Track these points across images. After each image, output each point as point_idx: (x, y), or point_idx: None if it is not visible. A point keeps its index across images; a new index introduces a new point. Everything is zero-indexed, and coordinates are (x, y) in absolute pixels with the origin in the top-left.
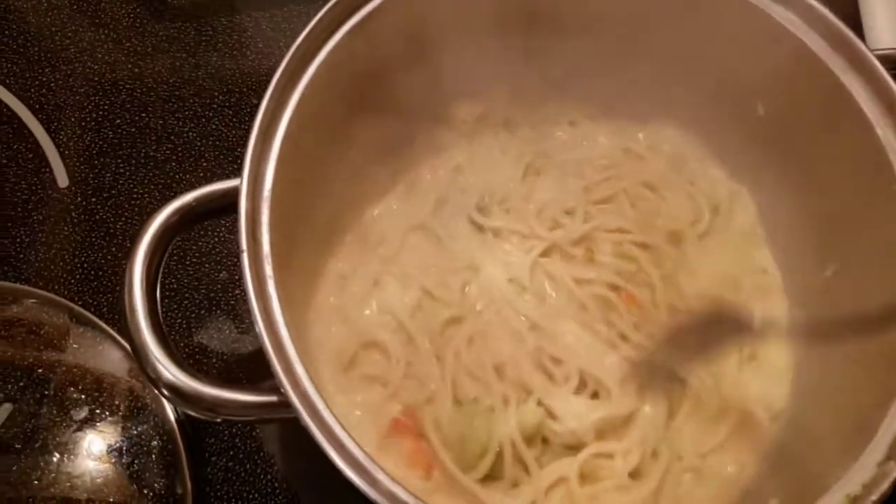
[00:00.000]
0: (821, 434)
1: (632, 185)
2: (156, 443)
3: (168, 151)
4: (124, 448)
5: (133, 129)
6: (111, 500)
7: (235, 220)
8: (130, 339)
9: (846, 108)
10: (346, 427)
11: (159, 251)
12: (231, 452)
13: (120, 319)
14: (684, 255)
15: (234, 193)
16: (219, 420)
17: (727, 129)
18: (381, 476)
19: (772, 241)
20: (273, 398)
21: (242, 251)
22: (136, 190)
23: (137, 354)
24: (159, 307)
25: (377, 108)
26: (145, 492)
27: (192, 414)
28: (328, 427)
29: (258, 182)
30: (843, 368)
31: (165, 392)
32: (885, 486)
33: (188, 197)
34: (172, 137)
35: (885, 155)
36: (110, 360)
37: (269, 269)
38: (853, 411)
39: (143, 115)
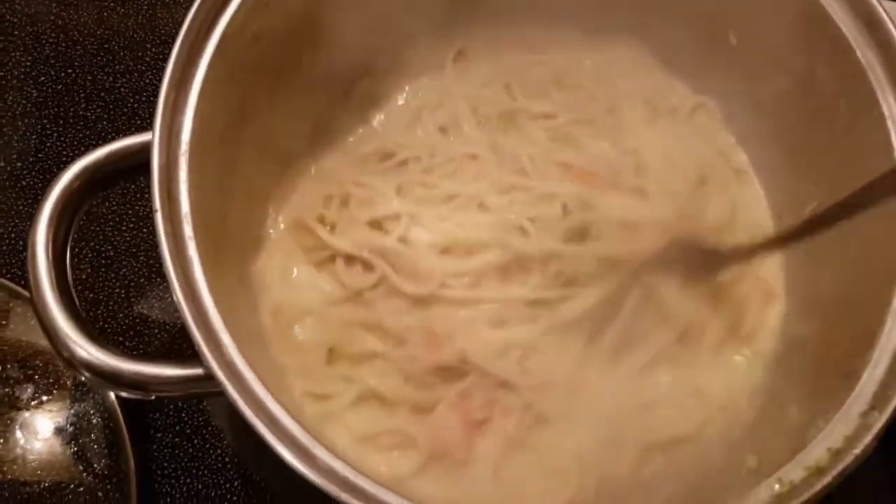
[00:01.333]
0: (803, 382)
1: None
2: (98, 420)
3: (99, 110)
4: (68, 427)
5: (59, 87)
6: (51, 481)
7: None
8: (38, 316)
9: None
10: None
11: (66, 218)
12: (177, 427)
13: None
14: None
15: (147, 149)
16: (152, 397)
17: (697, 54)
18: (319, 452)
19: (745, 145)
20: (199, 371)
21: (156, 211)
22: (65, 153)
23: (47, 332)
24: (70, 279)
25: (312, 45)
26: (88, 472)
27: (117, 393)
28: (258, 401)
29: (174, 134)
30: (828, 301)
31: (82, 371)
32: (868, 438)
33: (95, 154)
34: (103, 94)
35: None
36: None
37: (188, 230)
38: (837, 357)
39: (70, 70)
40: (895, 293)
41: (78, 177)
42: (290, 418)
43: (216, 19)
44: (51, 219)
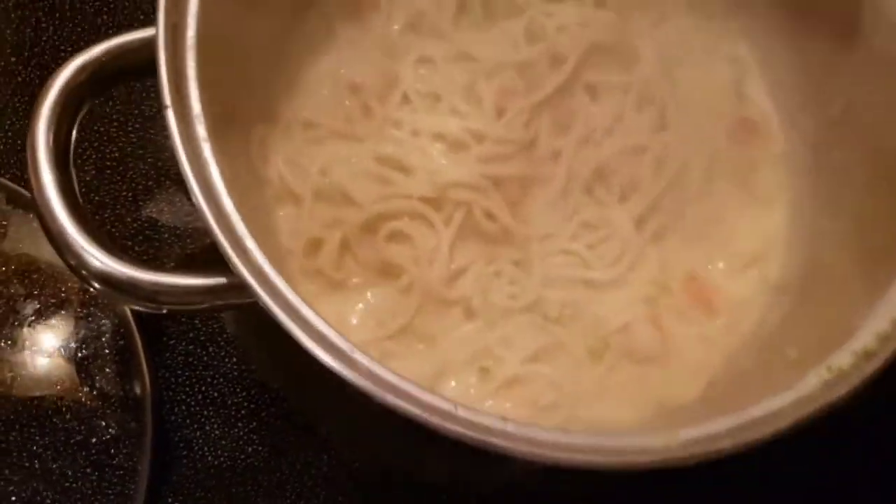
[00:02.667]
0: (835, 282)
1: None
2: (109, 330)
3: (98, 2)
4: (79, 337)
5: None
6: (63, 394)
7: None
8: (44, 224)
9: None
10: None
11: (67, 116)
12: (191, 335)
13: None
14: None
15: (152, 45)
16: (164, 311)
17: None
18: (359, 356)
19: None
20: (223, 280)
21: (167, 107)
22: (62, 47)
23: (54, 241)
24: (75, 182)
25: None
26: (100, 383)
27: (133, 306)
28: (293, 307)
29: (179, 29)
30: (849, 208)
31: (94, 283)
32: None
33: (96, 50)
34: None
35: None
36: None
37: (201, 131)
38: (868, 253)
39: None
40: None
41: (77, 74)
42: (326, 324)
43: None
44: (50, 118)
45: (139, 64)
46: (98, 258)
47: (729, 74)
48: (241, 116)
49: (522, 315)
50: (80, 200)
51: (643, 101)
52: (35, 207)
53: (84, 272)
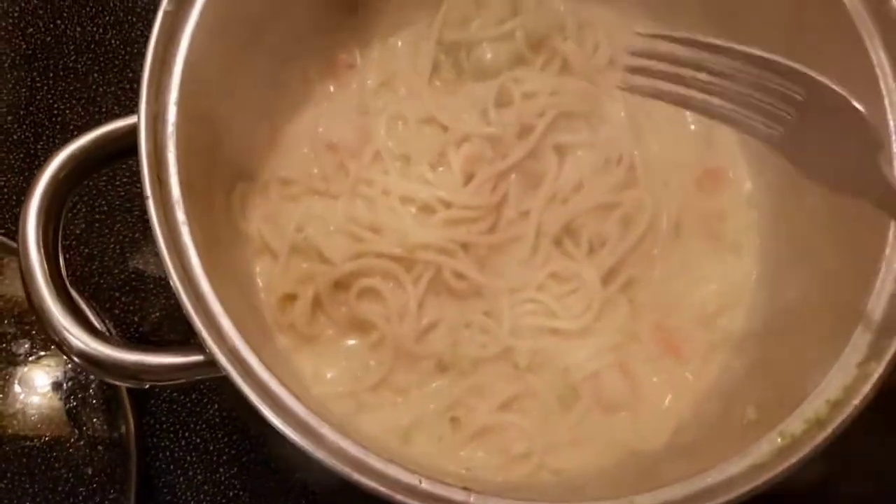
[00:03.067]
0: (798, 334)
1: None
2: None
3: (89, 62)
4: (66, 382)
5: (49, 38)
6: (51, 435)
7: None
8: (31, 304)
9: None
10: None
11: (54, 208)
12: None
13: None
14: None
15: (135, 132)
16: (146, 386)
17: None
18: (326, 431)
19: None
20: (200, 357)
21: (147, 198)
22: (56, 106)
23: (39, 320)
24: (63, 269)
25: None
26: (87, 426)
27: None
28: (262, 384)
29: (160, 116)
30: (815, 256)
31: (75, 359)
32: (866, 388)
33: (83, 140)
34: (93, 46)
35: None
36: None
37: (180, 215)
38: (830, 308)
39: (59, 21)
40: (888, 240)
41: (63, 166)
42: (295, 399)
43: None
44: (39, 207)
45: (124, 148)
46: (79, 338)
47: (698, 124)
48: (222, 176)
49: (493, 364)
50: (68, 285)
51: (611, 159)
52: (26, 294)
53: (66, 349)
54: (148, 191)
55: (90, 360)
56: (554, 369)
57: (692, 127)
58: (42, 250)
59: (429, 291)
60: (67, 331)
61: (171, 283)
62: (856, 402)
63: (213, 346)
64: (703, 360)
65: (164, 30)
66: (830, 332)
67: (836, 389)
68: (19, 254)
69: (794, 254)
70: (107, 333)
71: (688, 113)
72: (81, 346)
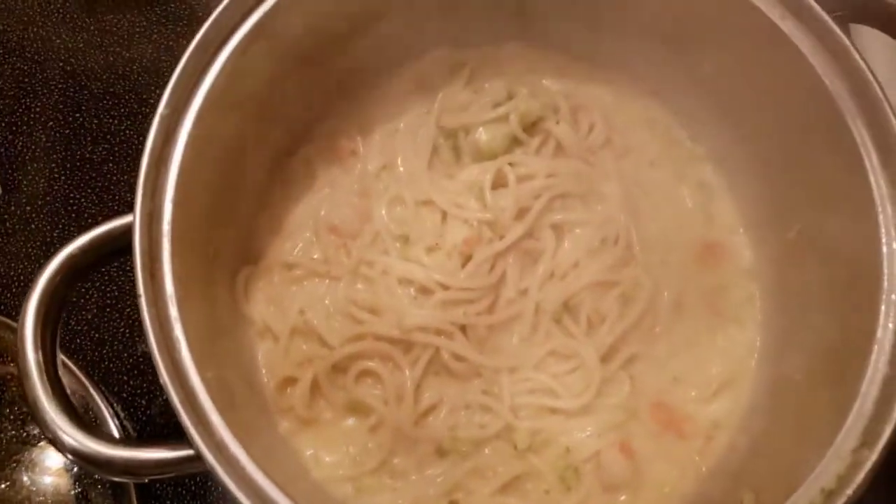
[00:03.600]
0: (798, 412)
1: None
2: None
3: (104, 152)
4: (75, 466)
5: (67, 131)
6: None
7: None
8: (28, 405)
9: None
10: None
11: (54, 306)
12: None
13: None
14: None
15: (130, 231)
16: (145, 480)
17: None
18: None
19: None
20: (190, 451)
21: (139, 296)
22: (72, 195)
23: (34, 418)
24: (58, 366)
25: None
26: None
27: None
28: (248, 480)
29: (155, 214)
30: (814, 330)
31: (69, 456)
32: (860, 476)
33: (81, 240)
34: (109, 137)
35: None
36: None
37: (173, 311)
38: (830, 384)
39: (77, 114)
40: (878, 323)
41: (60, 269)
42: (281, 492)
43: (193, 90)
44: (37, 312)
45: (122, 246)
46: (72, 436)
47: (695, 199)
48: (225, 259)
49: (493, 445)
50: (64, 386)
51: (608, 237)
52: (22, 392)
53: (59, 446)
54: (140, 289)
55: (83, 458)
56: (555, 449)
57: (689, 203)
58: (39, 350)
59: (427, 373)
60: (61, 429)
61: (161, 381)
62: (849, 491)
63: (200, 442)
64: (707, 438)
65: (160, 131)
66: (828, 414)
67: (830, 477)
68: (17, 354)
69: (794, 327)
70: (115, 417)
71: (685, 188)
72: (74, 444)
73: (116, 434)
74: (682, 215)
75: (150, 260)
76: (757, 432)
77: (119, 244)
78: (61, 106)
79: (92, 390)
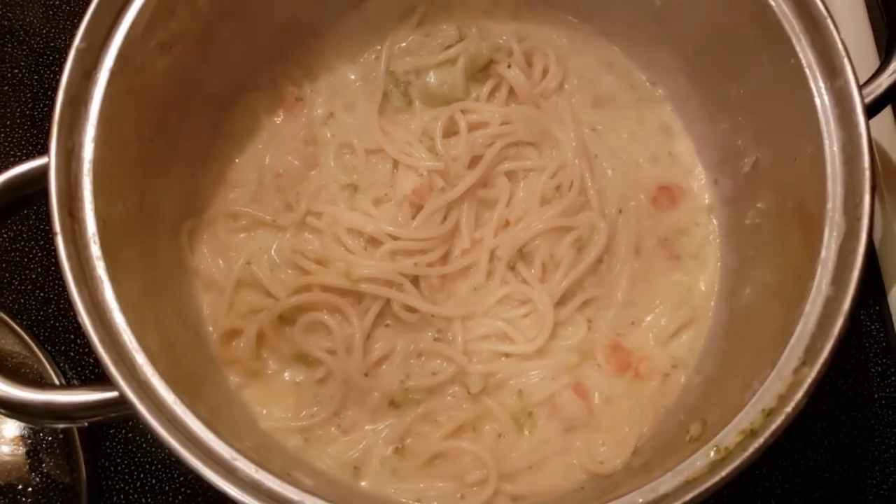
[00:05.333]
0: (749, 347)
1: None
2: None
3: (46, 109)
4: (31, 432)
5: (6, 87)
6: (4, 482)
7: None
8: None
9: None
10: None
11: None
12: (130, 423)
13: None
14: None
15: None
16: (59, 426)
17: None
18: (240, 464)
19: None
20: (114, 393)
21: (56, 234)
22: (13, 153)
23: None
24: None
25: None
26: (40, 472)
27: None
28: (174, 418)
29: (75, 153)
30: (762, 282)
31: None
32: (799, 395)
33: None
34: (50, 93)
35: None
36: (8, 341)
37: (96, 250)
38: (773, 325)
39: (16, 70)
40: (822, 244)
41: None
42: (209, 431)
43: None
44: None
45: (41, 188)
46: None
47: (654, 141)
48: (168, 211)
49: (446, 390)
50: None
51: (563, 183)
52: None
53: None
54: (57, 227)
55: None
56: (508, 392)
57: (646, 146)
58: None
59: (378, 324)
60: None
61: (78, 316)
62: (788, 409)
63: (120, 379)
64: (663, 377)
65: (76, 66)
66: (775, 341)
67: (772, 397)
68: None
69: (749, 264)
70: (62, 377)
71: (643, 131)
72: None
73: None
74: (638, 158)
75: (69, 199)
76: (710, 369)
77: (39, 186)
78: None
79: (36, 349)
